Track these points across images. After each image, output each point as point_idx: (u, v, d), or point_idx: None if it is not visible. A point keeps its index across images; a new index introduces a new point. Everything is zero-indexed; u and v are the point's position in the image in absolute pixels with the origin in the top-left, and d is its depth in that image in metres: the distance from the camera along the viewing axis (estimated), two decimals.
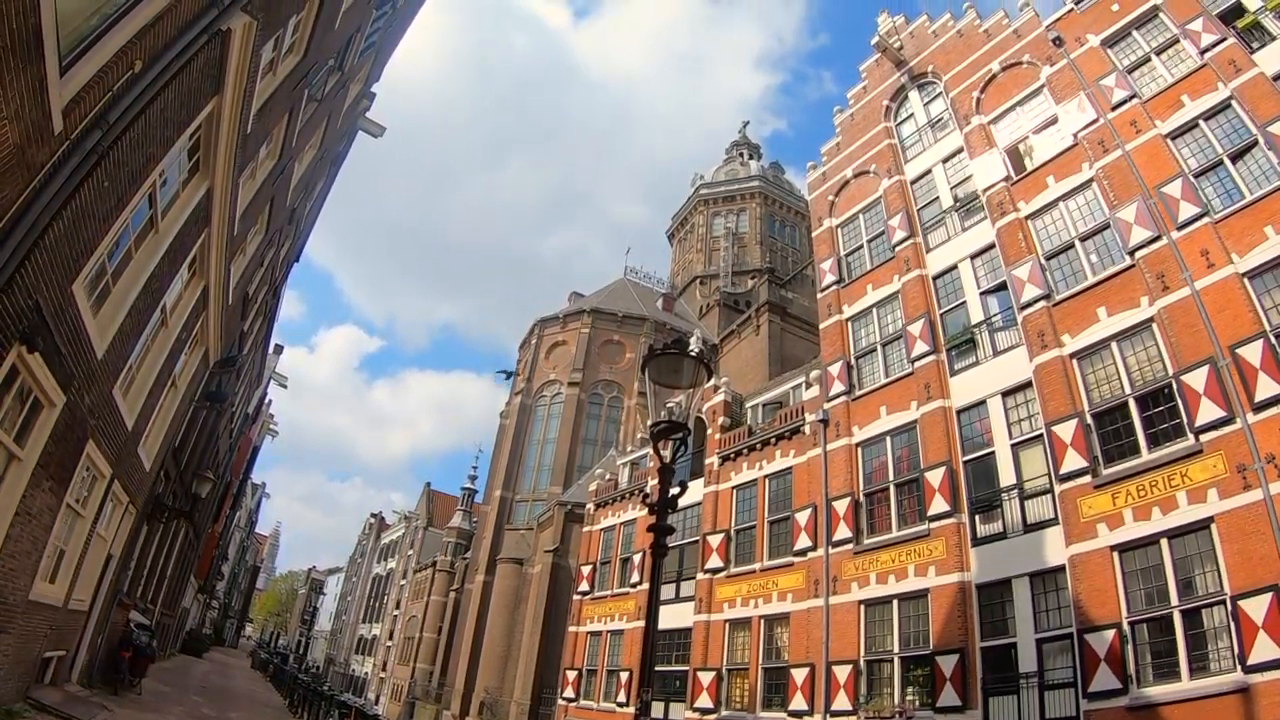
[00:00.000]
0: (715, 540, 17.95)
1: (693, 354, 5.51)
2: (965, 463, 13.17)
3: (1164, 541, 9.82)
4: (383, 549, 68.61)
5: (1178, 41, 12.89)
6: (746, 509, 17.96)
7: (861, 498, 14.84)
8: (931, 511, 13.09)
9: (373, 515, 76.89)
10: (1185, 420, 10.20)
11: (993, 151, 15.39)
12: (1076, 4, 15.02)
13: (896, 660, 12.82)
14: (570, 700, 21.38)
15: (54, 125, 4.03)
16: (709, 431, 20.09)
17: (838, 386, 16.48)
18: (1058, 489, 11.35)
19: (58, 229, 4.47)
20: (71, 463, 6.79)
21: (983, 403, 13.41)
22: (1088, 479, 10.97)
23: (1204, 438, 9.89)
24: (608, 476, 25.29)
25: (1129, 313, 11.58)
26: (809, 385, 17.77)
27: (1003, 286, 13.99)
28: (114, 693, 11.76)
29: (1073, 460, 11.21)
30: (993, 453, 12.86)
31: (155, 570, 17.16)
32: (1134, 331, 11.43)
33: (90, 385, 6.40)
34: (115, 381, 7.27)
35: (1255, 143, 11.04)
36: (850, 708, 12.98)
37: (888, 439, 14.86)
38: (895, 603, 13.25)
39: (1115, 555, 10.24)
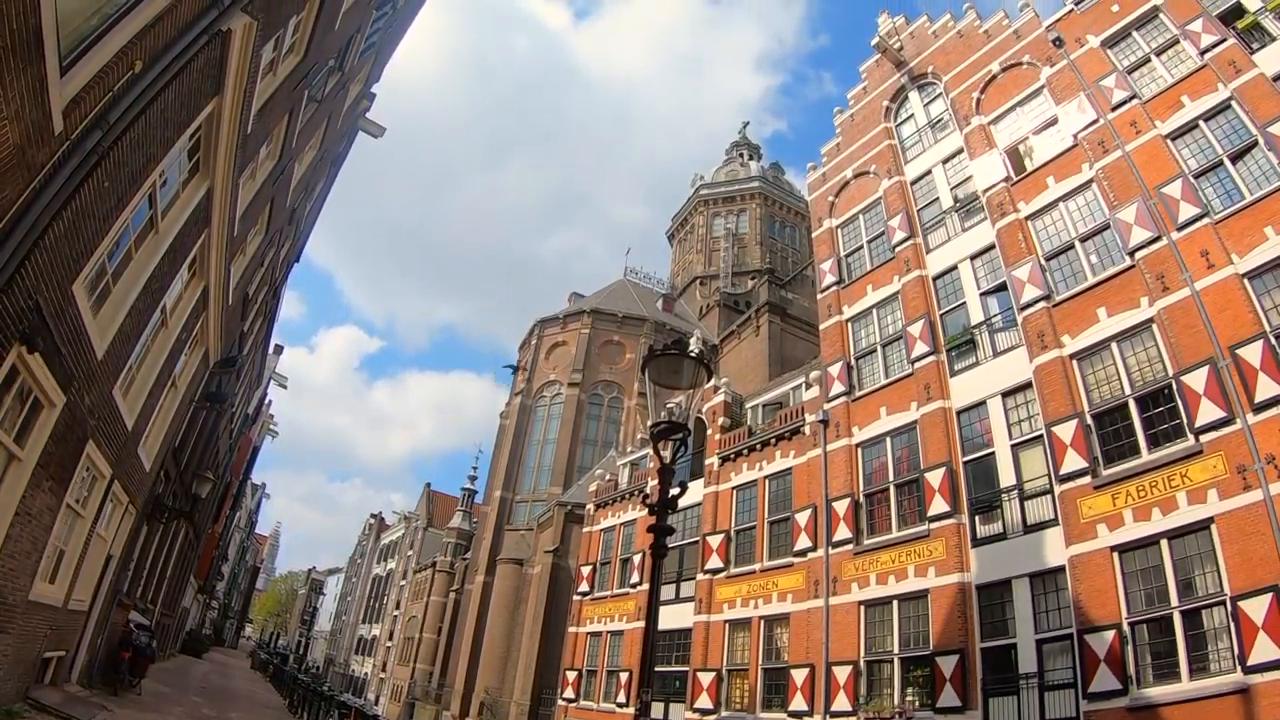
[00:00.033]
0: (715, 541, 17.95)
1: (693, 355, 5.51)
2: (965, 463, 13.18)
3: (1164, 542, 9.82)
4: (383, 549, 68.61)
5: (1178, 42, 12.90)
6: (746, 509, 17.96)
7: (861, 498, 14.84)
8: (931, 512, 13.09)
9: (372, 516, 76.93)
10: (1185, 421, 10.20)
11: (993, 152, 15.40)
12: (1076, 5, 15.03)
13: (896, 661, 12.81)
14: (570, 701, 21.37)
15: (54, 125, 4.03)
16: (709, 432, 20.09)
17: (838, 387, 16.49)
18: (1058, 489, 11.35)
19: (58, 229, 4.47)
20: (71, 463, 6.79)
21: (983, 403, 13.41)
22: (1088, 480, 10.97)
23: (1204, 438, 9.89)
24: (608, 477, 25.29)
25: (1129, 313, 11.58)
26: (809, 386, 17.77)
27: (1003, 287, 14.00)
28: (114, 693, 11.75)
29: (1073, 461, 11.21)
30: (993, 453, 12.86)
31: (155, 570, 17.16)
32: (1134, 332, 11.43)
33: (90, 385, 6.40)
34: (115, 382, 7.27)
35: (1255, 143, 11.04)
36: (850, 708, 12.98)
37: (888, 439, 14.86)
38: (895, 603, 13.24)
39: (1115, 556, 10.24)
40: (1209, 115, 11.82)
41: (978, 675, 11.37)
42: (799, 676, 14.20)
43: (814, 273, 22.33)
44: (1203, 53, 12.24)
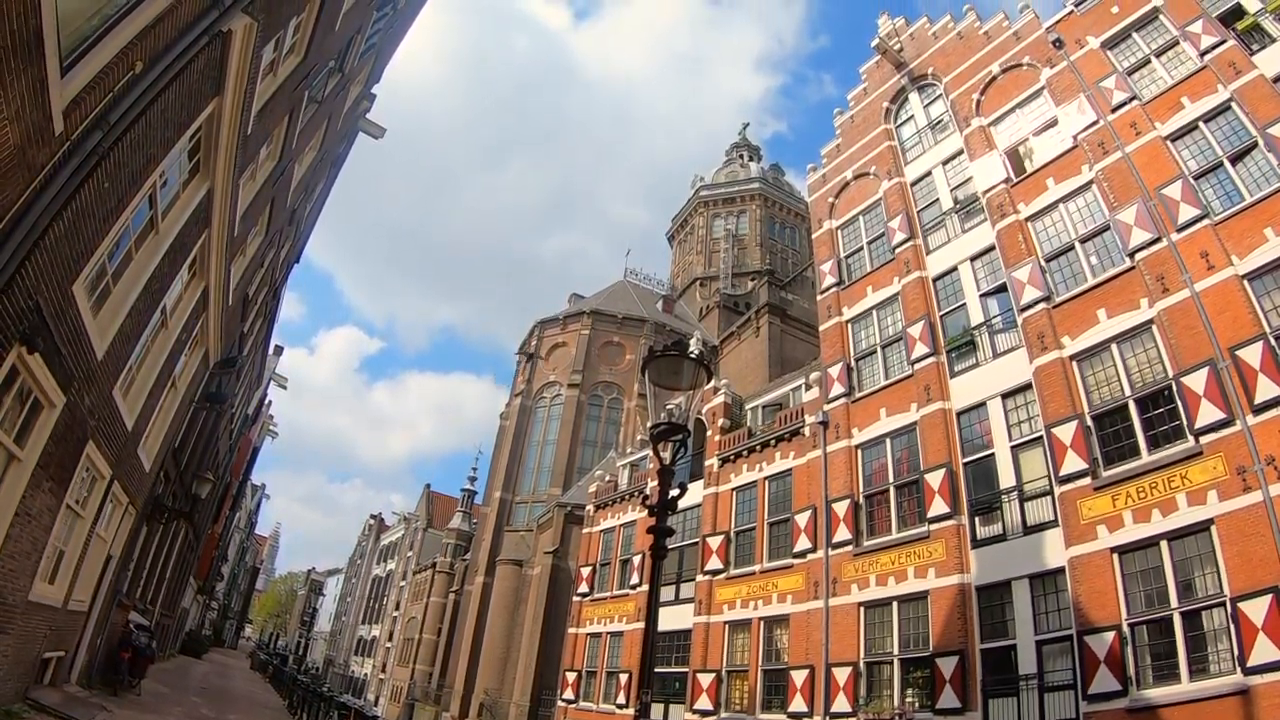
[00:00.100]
0: (715, 542, 17.94)
1: (692, 356, 5.51)
2: (965, 464, 13.17)
3: (1164, 543, 9.82)
4: (382, 550, 68.60)
5: (1178, 43, 12.91)
6: (746, 511, 17.95)
7: (861, 499, 14.83)
8: (931, 513, 13.09)
9: (372, 516, 76.93)
10: (1185, 422, 10.20)
11: (993, 153, 15.41)
12: (1076, 6, 15.04)
13: (896, 662, 12.81)
14: (570, 702, 21.36)
15: (55, 126, 4.03)
16: (709, 433, 20.09)
17: (837, 388, 16.48)
18: (1057, 491, 11.35)
19: (58, 230, 4.47)
20: (71, 463, 6.79)
21: (983, 404, 13.41)
22: (1087, 481, 10.97)
23: (1204, 439, 9.89)
24: (607, 478, 25.29)
25: (1129, 314, 11.58)
26: (809, 387, 17.77)
27: (1003, 288, 14.00)
28: (113, 693, 11.75)
29: (1072, 462, 11.21)
30: (992, 454, 12.85)
31: (155, 571, 17.15)
32: (1134, 333, 11.44)
33: (90, 386, 6.40)
34: (115, 382, 7.27)
35: (1255, 144, 11.05)
36: (850, 709, 12.97)
37: (887, 441, 14.85)
38: (895, 604, 13.24)
39: (1115, 557, 10.23)
40: (1209, 116, 11.83)
41: (977, 676, 11.37)
42: (799, 678, 14.20)
43: (814, 274, 22.34)
44: (1203, 54, 12.25)
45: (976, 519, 12.66)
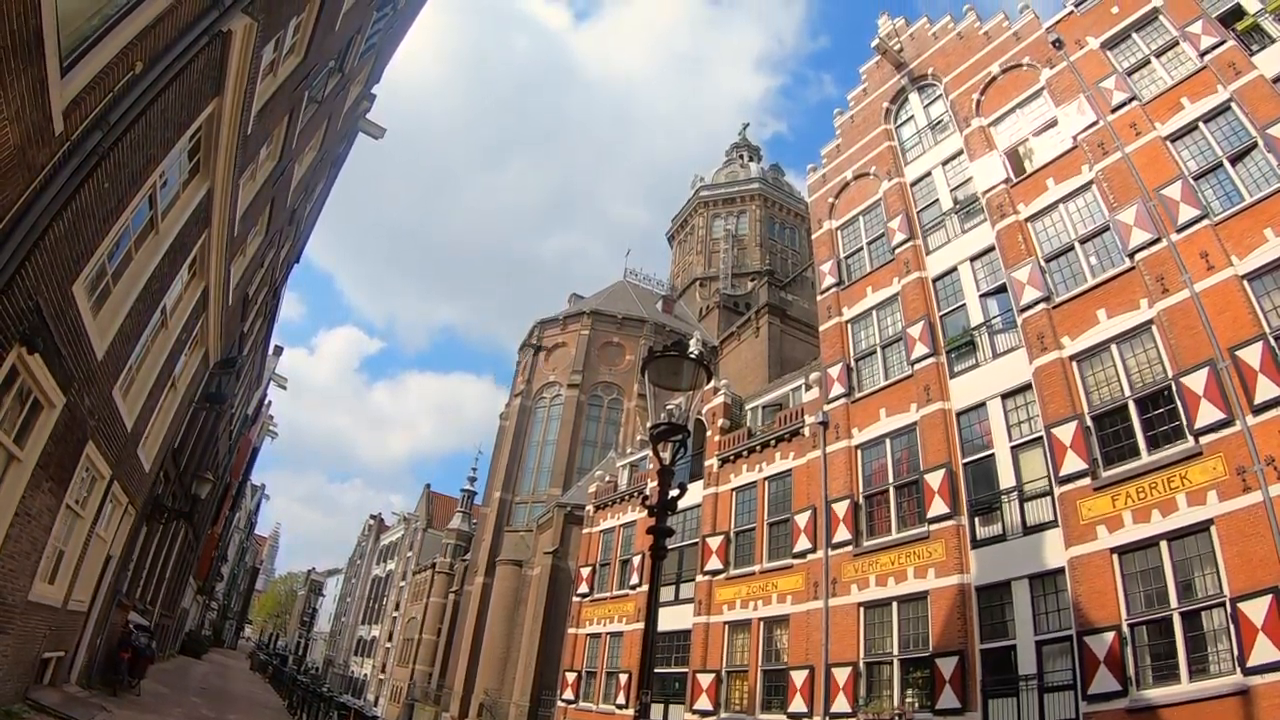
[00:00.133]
0: (715, 542, 17.94)
1: (692, 356, 5.51)
2: (965, 465, 13.17)
3: (1164, 544, 9.82)
4: (382, 550, 68.58)
5: (1177, 44, 12.91)
6: (746, 511, 17.95)
7: (861, 500, 14.83)
8: (931, 514, 13.09)
9: (372, 517, 76.91)
10: (1185, 422, 10.20)
11: (993, 154, 15.41)
12: (1076, 6, 15.04)
13: (896, 662, 12.81)
14: (570, 702, 21.35)
15: (54, 126, 4.03)
16: (709, 434, 20.09)
17: (837, 389, 16.49)
18: (1057, 491, 11.35)
19: (58, 230, 4.47)
20: (71, 463, 6.79)
21: (982, 405, 13.41)
22: (1087, 481, 10.97)
23: (1203, 440, 9.89)
24: (607, 478, 25.28)
25: (1129, 315, 11.58)
26: (809, 387, 17.77)
27: (1002, 289, 14.00)
28: (113, 693, 11.74)
29: (1072, 462, 11.21)
30: (992, 455, 12.85)
31: (154, 571, 17.14)
32: (1134, 334, 11.44)
33: (90, 386, 6.40)
34: (115, 382, 7.27)
35: (1255, 145, 11.05)
36: (850, 710, 12.97)
37: (887, 441, 14.85)
38: (895, 605, 13.24)
39: (1115, 557, 10.23)
40: (1209, 117, 11.83)
41: (977, 677, 11.37)
42: (798, 678, 14.20)
43: (814, 274, 22.34)
44: (1202, 54, 12.26)
45: (976, 519, 12.66)
